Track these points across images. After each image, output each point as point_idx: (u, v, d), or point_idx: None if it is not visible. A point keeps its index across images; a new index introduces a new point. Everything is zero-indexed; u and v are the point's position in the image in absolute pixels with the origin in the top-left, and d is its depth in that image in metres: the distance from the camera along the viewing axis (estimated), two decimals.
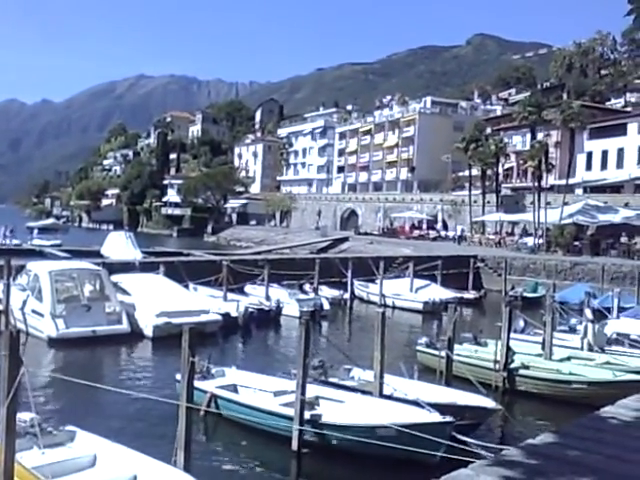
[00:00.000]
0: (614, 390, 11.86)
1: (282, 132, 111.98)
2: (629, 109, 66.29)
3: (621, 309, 23.71)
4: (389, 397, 11.91)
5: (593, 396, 13.00)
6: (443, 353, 13.96)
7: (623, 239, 40.26)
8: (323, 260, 31.90)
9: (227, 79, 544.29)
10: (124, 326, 19.79)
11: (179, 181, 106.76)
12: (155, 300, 20.90)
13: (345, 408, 11.33)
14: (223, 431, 12.12)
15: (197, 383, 10.56)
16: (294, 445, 10.71)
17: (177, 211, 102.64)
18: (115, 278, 21.97)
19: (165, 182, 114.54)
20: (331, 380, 13.24)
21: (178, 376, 10.63)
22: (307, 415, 10.77)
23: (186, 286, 24.61)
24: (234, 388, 12.78)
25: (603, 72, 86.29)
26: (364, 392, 12.25)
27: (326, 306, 26.02)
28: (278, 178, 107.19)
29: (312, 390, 11.44)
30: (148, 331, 19.95)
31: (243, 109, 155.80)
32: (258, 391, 12.52)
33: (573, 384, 14.59)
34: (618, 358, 16.41)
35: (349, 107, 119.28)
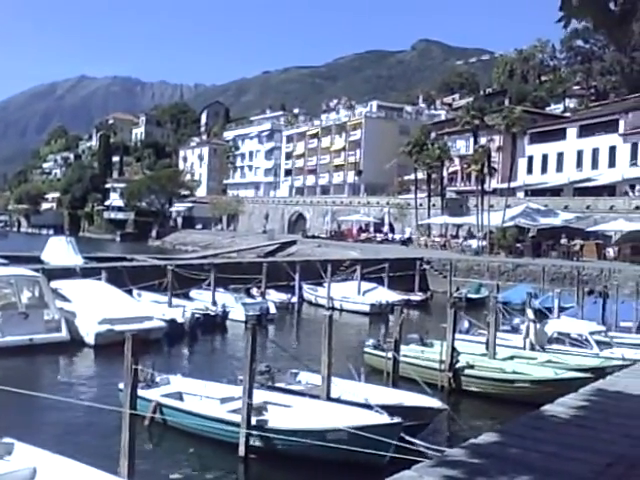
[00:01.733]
0: (555, 388, 12.14)
1: (228, 135, 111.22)
2: (568, 114, 68.54)
3: (561, 309, 24.39)
4: (337, 400, 11.90)
5: (535, 394, 13.28)
6: (390, 355, 14.05)
7: (563, 241, 41.46)
8: (271, 264, 31.75)
9: (171, 81, 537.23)
10: (63, 334, 19.21)
11: (122, 184, 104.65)
12: (97, 307, 20.37)
13: (292, 412, 11.26)
14: (169, 440, 11.88)
15: (141, 392, 10.32)
16: (241, 451, 10.59)
17: (120, 215, 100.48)
18: (55, 284, 21.32)
19: (107, 186, 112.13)
20: (278, 385, 13.16)
21: (121, 385, 10.35)
22: (254, 421, 10.67)
23: (129, 292, 24.09)
24: (179, 396, 12.55)
25: (543, 78, 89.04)
26: (312, 396, 12.21)
27: (272, 310, 25.88)
28: (225, 181, 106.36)
29: (259, 395, 11.33)
30: (89, 339, 19.43)
31: (188, 112, 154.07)
32: (204, 398, 12.33)
33: (516, 383, 14.90)
34: (559, 357, 16.85)
35: (296, 110, 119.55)
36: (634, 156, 48.08)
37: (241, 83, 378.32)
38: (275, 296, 28.94)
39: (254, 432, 10.56)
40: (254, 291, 29.05)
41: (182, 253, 59.63)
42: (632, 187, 46.45)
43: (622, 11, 3.44)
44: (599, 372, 13.33)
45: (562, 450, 4.15)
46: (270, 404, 11.59)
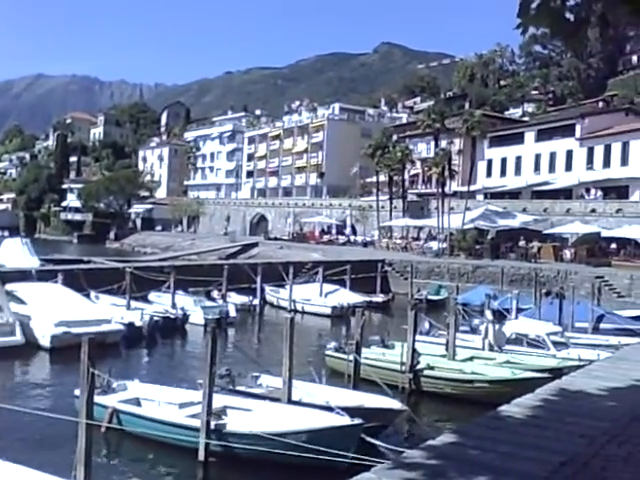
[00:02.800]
0: (513, 388, 12.32)
1: (189, 136, 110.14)
2: (526, 119, 69.82)
3: (519, 310, 24.81)
4: (298, 403, 11.87)
5: (494, 394, 13.44)
6: (351, 357, 14.08)
7: (521, 243, 42.19)
8: (232, 266, 31.53)
9: (131, 80, 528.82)
10: (18, 338, 18.76)
11: (79, 185, 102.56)
12: (53, 310, 19.95)
13: (253, 416, 11.18)
14: (127, 446, 11.67)
15: (98, 398, 10.10)
16: (201, 456, 10.47)
17: (77, 216, 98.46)
18: (10, 287, 20.82)
19: (64, 186, 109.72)
20: (239, 389, 13.06)
21: (77, 391, 10.12)
22: (214, 425, 10.55)
23: (87, 295, 23.65)
24: (137, 402, 12.34)
25: (503, 83, 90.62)
26: (273, 399, 12.15)
27: (232, 313, 25.69)
28: (185, 182, 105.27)
29: (219, 400, 11.22)
30: (45, 342, 19.01)
31: (148, 111, 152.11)
32: (162, 404, 12.15)
33: (475, 383, 15.09)
34: (517, 357, 17.12)
35: (258, 112, 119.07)
36: (590, 160, 49.22)
37: (203, 83, 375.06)
38: (236, 299, 28.75)
39: (214, 437, 10.45)
40: (215, 294, 28.81)
41: (141, 255, 58.82)
42: (588, 190, 47.55)
43: (577, 19, 3.49)
44: (556, 372, 13.57)
45: (518, 450, 4.19)
46: (230, 408, 11.49)
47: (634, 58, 74.59)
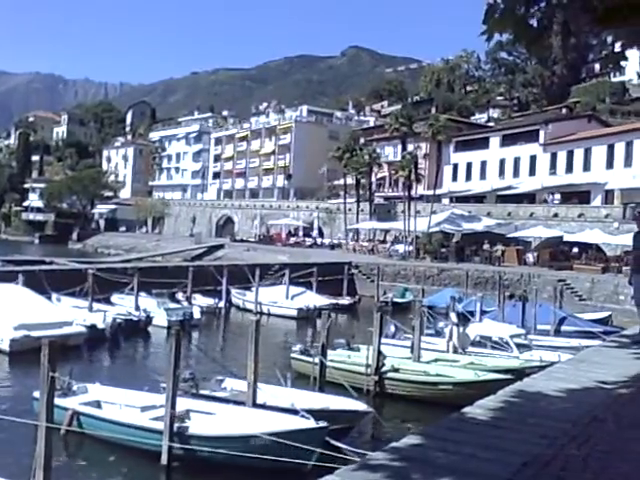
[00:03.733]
0: (477, 390, 12.45)
1: (154, 136, 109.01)
2: (491, 124, 70.81)
3: (483, 312, 25.09)
4: (263, 406, 11.81)
5: (458, 396, 13.56)
6: (317, 359, 14.08)
7: (485, 246, 42.78)
8: (197, 268, 31.30)
9: (96, 79, 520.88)
10: None
11: (42, 185, 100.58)
12: (13, 312, 19.52)
13: (216, 420, 11.09)
14: (87, 450, 11.46)
15: (57, 400, 9.91)
16: (164, 460, 10.35)
17: (39, 216, 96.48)
18: None
19: (26, 186, 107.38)
20: (203, 392, 12.94)
21: (36, 393, 9.92)
22: (177, 429, 10.44)
23: (48, 297, 23.19)
24: (98, 404, 12.14)
25: (469, 88, 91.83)
26: (237, 402, 12.07)
27: (197, 315, 25.47)
28: (150, 183, 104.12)
29: (183, 403, 11.11)
30: (4, 345, 18.58)
31: (113, 111, 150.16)
32: (124, 407, 11.97)
33: (439, 385, 15.22)
34: (481, 359, 17.32)
35: (225, 112, 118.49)
36: (553, 165, 50.16)
37: (169, 83, 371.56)
38: (202, 301, 28.52)
39: (177, 440, 10.34)
40: (180, 296, 28.53)
41: (104, 256, 57.96)
42: (551, 195, 48.44)
43: (540, 27, 3.53)
44: (518, 374, 13.74)
45: (481, 451, 4.21)
46: (193, 412, 11.38)
47: (596, 66, 76.27)
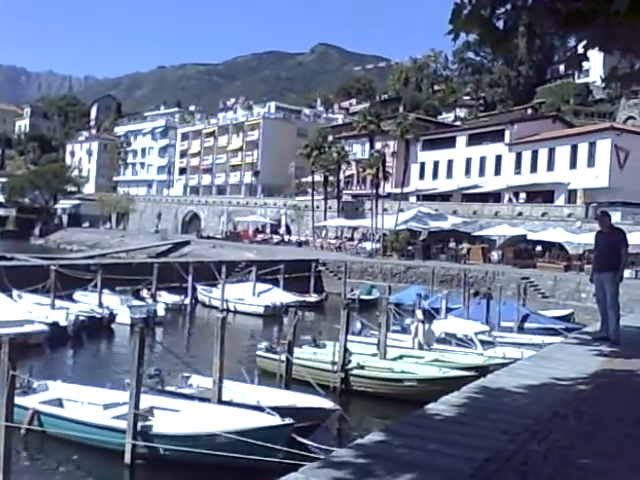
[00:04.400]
0: (442, 386, 12.59)
1: (120, 130, 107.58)
2: (458, 123, 71.62)
3: (449, 309, 25.37)
4: (228, 403, 11.76)
5: (423, 393, 13.67)
6: (283, 357, 14.06)
7: (451, 244, 43.22)
8: (162, 264, 30.97)
9: (60, 72, 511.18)
10: None
11: (3, 179, 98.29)
12: None
13: (181, 417, 11.00)
14: (48, 449, 11.26)
15: (17, 399, 9.72)
16: (127, 459, 10.23)
17: (0, 211, 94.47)
18: None
19: None
20: (168, 389, 12.82)
21: None
22: (141, 427, 10.32)
23: (9, 294, 22.70)
24: (59, 403, 11.93)
25: (436, 87, 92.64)
26: (203, 399, 11.99)
27: (161, 312, 25.23)
28: (115, 178, 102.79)
29: (147, 400, 10.99)
30: None
31: (77, 104, 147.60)
32: (86, 404, 11.78)
33: (405, 382, 15.33)
34: (445, 355, 17.50)
35: (192, 108, 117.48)
36: (518, 165, 50.94)
37: (135, 77, 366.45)
38: (167, 298, 28.27)
39: (140, 438, 10.22)
40: (145, 293, 28.22)
41: (67, 253, 56.95)
42: (515, 194, 49.19)
43: (506, 28, 3.57)
44: (482, 370, 13.93)
45: (445, 447, 4.25)
46: (158, 409, 11.27)
47: (561, 67, 77.60)
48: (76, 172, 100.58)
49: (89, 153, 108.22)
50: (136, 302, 26.03)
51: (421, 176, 58.52)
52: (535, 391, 6.04)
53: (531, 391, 6.03)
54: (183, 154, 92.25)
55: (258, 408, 10.72)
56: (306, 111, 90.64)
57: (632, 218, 36.33)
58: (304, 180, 65.18)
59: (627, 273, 16.96)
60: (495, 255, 41.54)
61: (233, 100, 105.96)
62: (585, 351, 8.54)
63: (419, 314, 19.60)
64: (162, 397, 11.96)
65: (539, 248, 39.99)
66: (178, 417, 11.01)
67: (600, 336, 9.32)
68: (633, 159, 43.12)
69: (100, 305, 24.31)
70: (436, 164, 57.64)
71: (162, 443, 10.15)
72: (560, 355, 8.26)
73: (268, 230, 61.05)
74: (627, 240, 9.51)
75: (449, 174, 56.41)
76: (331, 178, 56.69)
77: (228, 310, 27.75)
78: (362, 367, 15.97)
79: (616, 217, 31.63)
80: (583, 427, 4.92)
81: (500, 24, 3.58)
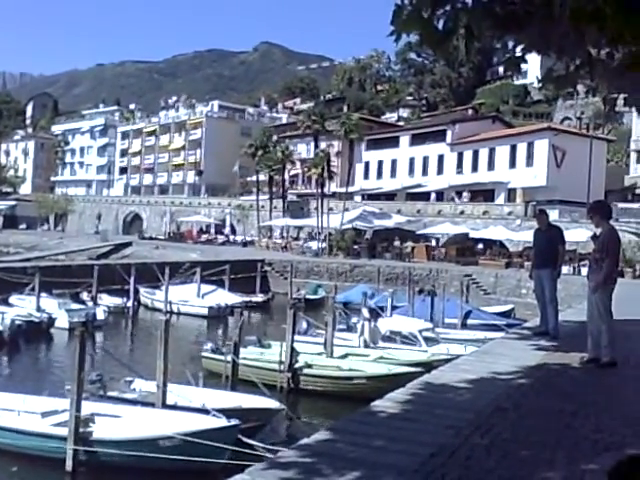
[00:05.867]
0: (388, 383, 12.72)
1: (57, 129, 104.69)
2: (401, 123, 72.52)
3: (394, 307, 25.63)
4: (173, 406, 11.58)
5: (371, 390, 13.78)
6: (229, 358, 13.94)
7: (396, 243, 43.72)
8: (103, 266, 30.30)
9: None
10: None
11: None
12: None
13: (124, 422, 10.76)
14: None
15: None
16: (68, 466, 9.98)
17: None
18: None
19: None
20: (111, 394, 12.53)
21: None
22: (82, 433, 10.06)
23: None
24: None
25: (379, 88, 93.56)
26: (147, 404, 11.77)
27: (101, 316, 24.60)
28: (52, 178, 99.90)
29: (88, 407, 10.70)
30: None
31: (12, 102, 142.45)
32: (23, 413, 11.37)
33: (353, 380, 15.43)
34: (390, 353, 17.69)
35: (132, 106, 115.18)
36: (460, 164, 51.97)
37: (72, 74, 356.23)
38: (109, 301, 27.64)
39: (82, 445, 9.96)
40: (85, 296, 27.49)
41: (3, 255, 54.80)
42: (458, 193, 50.18)
43: (445, 29, 3.62)
44: (427, 366, 14.15)
45: (391, 443, 4.30)
46: (100, 415, 10.98)
47: (500, 69, 79.55)
48: (11, 172, 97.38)
49: (25, 153, 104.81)
50: (75, 305, 25.33)
51: (366, 175, 59.03)
52: (478, 386, 6.16)
53: (474, 386, 6.15)
54: (123, 153, 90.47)
55: (203, 410, 10.59)
56: (250, 110, 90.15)
57: (569, 216, 37.55)
58: (249, 179, 64.81)
59: (565, 269, 17.49)
60: (439, 253, 42.22)
61: (175, 98, 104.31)
62: (525, 346, 8.77)
63: (365, 312, 19.75)
64: (104, 403, 11.67)
65: (481, 246, 40.86)
66: (121, 422, 10.78)
67: (540, 331, 9.59)
68: (570, 159, 44.61)
69: (38, 309, 23.60)
70: (380, 163, 58.24)
71: (105, 449, 9.91)
72: (501, 350, 8.46)
73: (212, 230, 60.42)
74: (564, 237, 9.79)
75: (393, 173, 57.08)
76: (276, 177, 56.55)
77: (172, 312, 27.37)
78: (309, 366, 15.99)
79: (554, 215, 32.72)
80: (524, 420, 5.05)
81: (440, 25, 3.62)
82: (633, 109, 4.54)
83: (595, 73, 4.07)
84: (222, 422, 10.13)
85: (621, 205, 38.62)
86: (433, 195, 51.28)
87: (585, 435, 4.62)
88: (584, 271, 19.10)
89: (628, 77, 3.99)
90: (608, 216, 7.66)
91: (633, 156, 50.11)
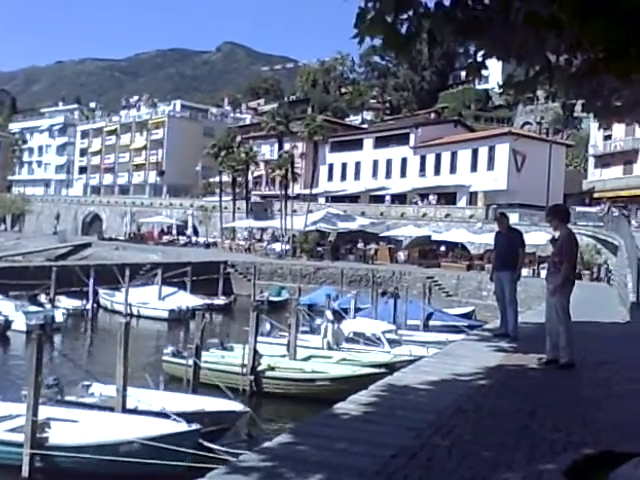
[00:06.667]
0: (352, 385, 12.72)
1: (15, 127, 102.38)
2: (365, 126, 72.87)
3: (358, 309, 25.76)
4: (133, 411, 11.40)
5: (335, 391, 13.76)
6: (190, 361, 13.79)
7: (360, 245, 43.94)
8: (61, 268, 29.76)
9: None
10: None
11: None
12: None
13: (83, 427, 10.54)
14: None
15: None
16: (25, 472, 9.75)
17: None
18: None
19: None
20: (69, 399, 12.27)
21: None
22: (39, 439, 9.82)
23: None
24: None
25: (343, 90, 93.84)
26: (106, 408, 11.56)
27: (59, 318, 24.14)
28: (9, 178, 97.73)
29: (46, 411, 10.46)
30: None
31: None
32: None
33: (316, 382, 15.42)
34: (354, 354, 17.75)
35: (93, 104, 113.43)
36: (423, 167, 52.45)
37: (31, 71, 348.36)
38: (67, 303, 27.13)
39: (38, 451, 9.73)
40: (42, 298, 26.89)
41: None
42: (421, 196, 50.61)
43: (408, 33, 3.63)
44: (390, 368, 14.24)
45: (352, 445, 4.30)
46: (57, 420, 10.74)
47: (463, 73, 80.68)
48: None
49: None
50: (33, 308, 24.76)
51: (330, 177, 59.16)
52: (439, 387, 6.21)
53: (435, 387, 6.20)
54: (83, 152, 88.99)
55: (164, 415, 10.45)
56: (213, 110, 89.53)
57: (529, 219, 38.23)
58: (212, 180, 64.33)
59: (525, 272, 17.78)
60: (401, 255, 42.54)
61: (136, 97, 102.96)
62: (486, 347, 8.88)
63: (328, 314, 19.80)
64: (61, 408, 11.42)
65: (443, 248, 41.32)
66: (79, 427, 10.55)
67: (500, 332, 9.72)
68: (530, 163, 45.44)
69: None
70: (344, 166, 58.42)
71: (63, 455, 9.70)
72: (462, 351, 8.55)
73: (174, 231, 59.74)
74: (524, 240, 9.95)
75: (357, 176, 57.31)
76: (239, 179, 56.24)
77: (132, 315, 27.02)
78: (272, 368, 15.93)
79: (514, 218, 33.25)
80: (484, 421, 5.10)
81: (403, 29, 3.63)
82: (591, 115, 4.64)
83: (554, 79, 4.14)
84: (183, 426, 10.02)
85: (579, 209, 39.51)
86: (388, 197, 51.44)
87: (543, 435, 4.69)
88: (543, 273, 19.47)
89: (586, 84, 4.07)
90: (566, 220, 7.81)
91: (591, 161, 51.29)
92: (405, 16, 3.61)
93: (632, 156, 46.34)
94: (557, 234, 7.73)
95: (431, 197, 49.28)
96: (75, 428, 10.50)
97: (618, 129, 44.23)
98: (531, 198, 40.89)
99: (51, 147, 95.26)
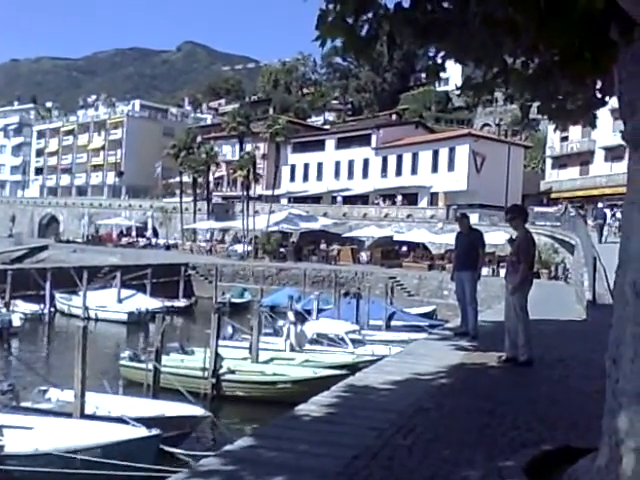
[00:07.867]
0: (314, 386, 12.69)
1: None
2: (327, 127, 73.06)
3: (320, 310, 25.78)
4: (92, 417, 11.16)
5: (297, 394, 13.73)
6: (150, 365, 13.59)
7: (322, 246, 44.02)
8: (17, 271, 29.14)
9: None
10: None
11: None
12: None
13: (38, 434, 10.26)
14: None
15: None
16: None
17: None
18: None
19: None
20: (24, 405, 11.95)
21: None
22: None
23: None
24: None
25: (305, 91, 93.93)
26: (64, 414, 11.29)
27: (16, 323, 23.58)
28: None
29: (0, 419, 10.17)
30: None
31: None
32: None
33: (278, 384, 15.35)
34: (317, 356, 17.73)
35: (49, 104, 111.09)
36: (384, 168, 52.83)
37: None
38: (23, 307, 26.51)
39: None
40: None
41: None
42: (384, 197, 50.94)
43: (368, 36, 3.65)
44: (352, 368, 14.25)
45: (313, 447, 4.29)
46: (11, 427, 10.43)
47: (423, 75, 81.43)
48: None
49: None
50: None
51: (292, 178, 59.13)
52: (401, 386, 6.25)
53: (397, 387, 6.23)
54: (39, 153, 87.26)
55: (123, 420, 10.27)
56: (173, 110, 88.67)
57: (489, 219, 38.84)
58: (172, 181, 63.64)
59: (484, 271, 18.04)
60: (364, 256, 42.73)
61: (94, 97, 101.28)
62: (446, 346, 8.97)
63: (291, 316, 19.74)
64: (16, 414, 11.11)
65: (405, 248, 41.67)
66: (35, 434, 10.28)
67: (460, 331, 9.83)
68: (489, 164, 46.16)
69: None
70: (306, 166, 58.46)
71: (16, 464, 9.43)
72: (424, 351, 8.62)
73: (134, 233, 58.81)
74: (484, 240, 10.08)
75: (319, 176, 57.41)
76: (200, 179, 55.75)
77: (89, 318, 26.55)
78: (234, 372, 15.80)
79: (474, 218, 33.69)
80: (445, 419, 5.15)
81: (364, 31, 3.65)
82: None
83: (510, 81, 4.20)
84: (142, 432, 9.85)
85: (537, 209, 40.32)
86: (339, 199, 51.64)
87: (503, 433, 4.75)
88: (502, 272, 19.77)
89: (541, 86, 4.14)
90: (524, 220, 7.94)
91: (548, 162, 52.40)
92: (365, 18, 3.62)
93: (588, 157, 47.54)
94: (515, 234, 7.86)
95: (398, 198, 49.62)
96: (30, 435, 10.23)
97: (574, 131, 45.26)
98: (490, 198, 41.55)
99: (6, 147, 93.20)
